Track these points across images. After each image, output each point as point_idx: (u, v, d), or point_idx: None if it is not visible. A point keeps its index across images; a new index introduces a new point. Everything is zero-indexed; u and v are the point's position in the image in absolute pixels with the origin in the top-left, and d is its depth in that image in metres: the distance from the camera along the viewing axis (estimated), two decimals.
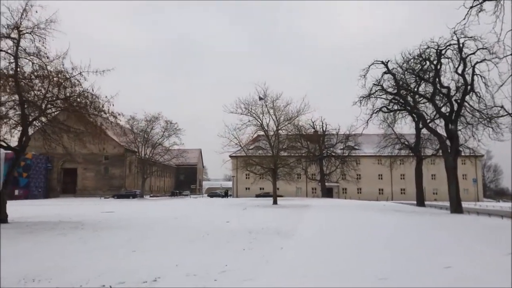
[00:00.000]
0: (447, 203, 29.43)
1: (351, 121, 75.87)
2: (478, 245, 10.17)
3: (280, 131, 35.92)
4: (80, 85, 16.61)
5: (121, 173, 70.16)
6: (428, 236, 12.37)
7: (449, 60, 26.57)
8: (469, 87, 25.53)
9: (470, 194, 61.70)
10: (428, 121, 29.58)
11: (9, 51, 15.69)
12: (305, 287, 5.70)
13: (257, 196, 59.36)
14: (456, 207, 24.71)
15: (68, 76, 16.35)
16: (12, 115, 16.43)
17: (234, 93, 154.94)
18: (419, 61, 27.63)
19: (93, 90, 16.65)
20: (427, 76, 27.93)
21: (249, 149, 40.95)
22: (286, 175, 38.64)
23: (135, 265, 7.20)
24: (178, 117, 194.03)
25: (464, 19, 15.37)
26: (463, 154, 32.22)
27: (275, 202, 34.39)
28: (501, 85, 22.14)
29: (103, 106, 16.88)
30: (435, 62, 26.75)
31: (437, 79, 26.73)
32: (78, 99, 16.73)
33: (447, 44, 25.69)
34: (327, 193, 62.90)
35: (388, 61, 28.74)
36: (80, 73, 16.26)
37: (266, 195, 54.77)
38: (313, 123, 58.71)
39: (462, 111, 26.37)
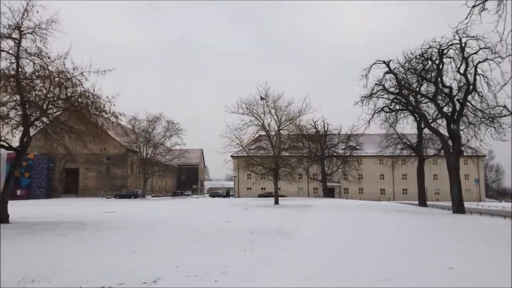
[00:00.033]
0: (449, 203, 29.33)
1: (351, 121, 75.96)
2: (480, 245, 10.11)
3: (281, 131, 35.89)
4: (81, 85, 16.63)
5: (122, 173, 70.24)
6: (430, 236, 12.30)
7: (451, 59, 26.51)
8: (471, 86, 25.43)
9: (472, 194, 61.48)
10: (430, 121, 29.49)
11: (10, 51, 15.72)
12: (306, 287, 5.67)
13: (260, 196, 59.32)
14: (458, 207, 24.63)
15: (69, 76, 16.35)
16: (13, 116, 16.43)
17: (235, 93, 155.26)
18: (421, 60, 27.54)
19: (94, 90, 16.67)
20: (429, 76, 27.84)
21: (251, 149, 40.92)
22: (287, 175, 38.60)
23: (136, 265, 7.18)
24: (179, 117, 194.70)
25: (466, 18, 15.31)
26: (465, 154, 32.13)
27: (276, 202, 34.35)
28: (504, 85, 22.16)
29: (104, 106, 16.88)
30: (437, 62, 26.66)
31: (439, 79, 26.63)
32: (79, 99, 16.73)
33: (449, 43, 25.62)
34: (329, 193, 62.82)
35: (390, 60, 28.68)
36: (81, 73, 16.28)
37: (268, 195, 54.71)
38: (314, 123, 58.74)
39: (464, 111, 26.29)
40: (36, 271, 6.76)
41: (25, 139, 16.48)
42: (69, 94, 16.59)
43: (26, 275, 6.44)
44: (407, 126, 78.66)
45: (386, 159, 61.02)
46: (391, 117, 32.97)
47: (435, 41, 26.25)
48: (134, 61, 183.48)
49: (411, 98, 29.76)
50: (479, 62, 25.06)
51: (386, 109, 31.14)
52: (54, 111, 17.44)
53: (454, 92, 26.74)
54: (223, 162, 74.47)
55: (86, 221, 16.52)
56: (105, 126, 19.32)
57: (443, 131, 28.47)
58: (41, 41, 15.80)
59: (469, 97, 25.96)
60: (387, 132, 38.82)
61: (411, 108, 30.10)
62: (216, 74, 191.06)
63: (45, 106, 16.33)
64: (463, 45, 25.07)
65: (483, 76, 25.27)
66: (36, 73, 16.04)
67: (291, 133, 38.36)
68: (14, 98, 16.03)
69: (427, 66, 27.59)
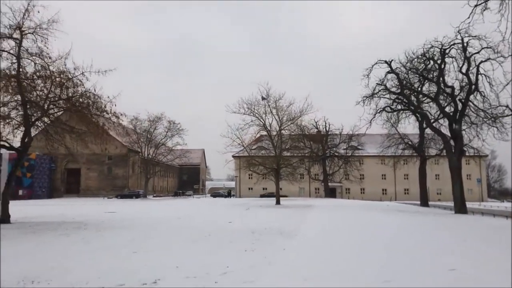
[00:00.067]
0: (451, 203, 29.24)
1: (352, 121, 76.10)
2: (483, 246, 10.05)
3: (283, 131, 35.84)
4: (83, 85, 16.62)
5: (124, 173, 70.30)
6: (432, 236, 12.24)
7: (453, 59, 26.40)
8: (473, 86, 25.34)
9: (474, 194, 61.34)
10: (432, 120, 29.40)
11: (11, 51, 15.72)
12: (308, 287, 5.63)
13: (262, 196, 59.24)
14: (460, 207, 24.54)
15: (70, 76, 16.34)
16: (14, 116, 16.42)
17: (236, 93, 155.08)
18: (422, 60, 27.44)
19: (95, 90, 16.66)
20: (431, 76, 27.75)
21: (252, 149, 40.87)
22: (289, 175, 38.53)
23: (136, 266, 7.15)
24: (181, 117, 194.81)
25: (468, 17, 15.25)
26: (467, 154, 32.00)
27: (278, 202, 34.30)
28: (506, 84, 22.07)
29: (105, 106, 16.87)
30: (439, 62, 26.55)
31: (441, 79, 26.54)
32: (81, 99, 16.72)
33: (451, 43, 25.50)
34: (330, 193, 62.73)
35: (392, 60, 28.59)
36: (82, 73, 16.27)
37: (270, 195, 54.66)
38: (316, 123, 58.64)
39: (467, 110, 26.20)
40: (36, 271, 6.74)
41: (26, 139, 16.48)
42: (70, 94, 16.58)
43: (26, 276, 6.42)
44: (409, 126, 78.35)
45: (387, 159, 60.83)
46: (392, 117, 32.93)
47: (437, 41, 26.19)
48: (135, 61, 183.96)
49: (413, 98, 29.67)
50: (481, 61, 24.98)
51: (388, 109, 31.06)
52: (55, 111, 17.43)
53: (456, 92, 26.65)
54: (224, 162, 74.47)
55: (88, 221, 16.51)
56: (106, 126, 19.30)
57: (445, 131, 28.39)
58: (42, 41, 15.82)
59: (471, 97, 25.87)
60: (388, 132, 38.72)
61: (413, 108, 30.01)
62: (217, 74, 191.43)
63: (46, 106, 16.33)
64: (465, 44, 24.97)
65: (485, 75, 25.20)
66: (37, 73, 16.04)
67: (293, 133, 38.31)
68: (15, 98, 16.03)
69: (429, 66, 27.50)
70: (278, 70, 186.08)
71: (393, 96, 30.21)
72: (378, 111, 30.27)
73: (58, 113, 17.97)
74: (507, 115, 24.94)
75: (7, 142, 16.82)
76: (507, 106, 24.52)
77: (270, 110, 34.83)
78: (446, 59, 26.45)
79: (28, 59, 16.07)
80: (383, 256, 8.13)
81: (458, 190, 24.86)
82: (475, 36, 23.92)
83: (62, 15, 15.82)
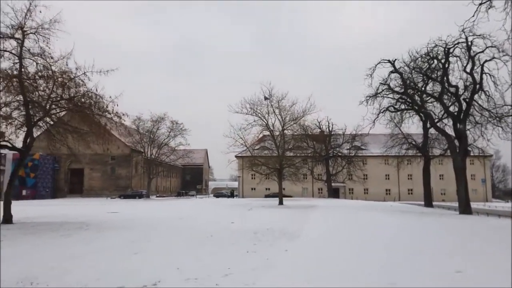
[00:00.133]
0: (456, 204, 29.00)
1: (352, 121, 75.89)
2: (489, 247, 9.89)
3: (285, 131, 35.65)
4: (84, 85, 16.57)
5: (127, 173, 70.43)
6: (438, 238, 12.09)
7: (457, 58, 26.14)
8: (478, 85, 25.11)
9: (479, 195, 60.91)
10: (436, 120, 29.18)
11: (13, 51, 15.70)
12: None
13: (266, 196, 59.03)
14: (465, 208, 24.31)
15: (72, 77, 16.31)
16: (16, 116, 16.42)
17: (237, 93, 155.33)
18: (426, 59, 27.22)
19: (97, 90, 16.61)
20: (435, 75, 27.52)
21: (255, 149, 40.76)
22: (292, 175, 38.38)
23: (136, 267, 7.07)
24: (183, 117, 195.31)
25: (473, 16, 15.08)
26: (471, 154, 31.74)
27: (281, 203, 34.17)
28: (511, 84, 21.83)
29: (107, 107, 16.82)
30: (443, 61, 26.33)
31: (445, 78, 26.31)
32: (82, 99, 16.68)
33: (455, 42, 25.26)
34: (334, 193, 62.52)
35: (395, 60, 28.36)
36: (84, 73, 16.23)
37: (275, 195, 54.53)
38: (319, 123, 58.42)
39: (471, 110, 25.95)
40: (36, 272, 6.69)
41: (29, 139, 16.45)
42: (72, 94, 16.55)
43: (26, 276, 6.36)
44: (413, 126, 78.11)
45: (391, 159, 60.61)
46: (396, 116, 32.67)
47: (441, 40, 25.95)
48: (135, 61, 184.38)
49: (416, 97, 29.45)
50: (486, 60, 24.73)
51: (391, 108, 30.85)
52: (57, 111, 17.41)
53: (461, 91, 26.42)
54: (227, 162, 74.39)
55: (90, 222, 16.47)
56: (108, 126, 19.27)
57: (449, 130, 28.17)
58: (44, 41, 15.78)
59: (476, 96, 25.63)
60: (392, 132, 38.47)
61: (416, 107, 29.80)
62: (217, 74, 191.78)
63: (48, 106, 16.30)
64: (469, 43, 24.73)
65: (489, 75, 24.95)
66: (39, 73, 16.01)
67: (296, 133, 38.10)
68: (18, 99, 16.02)
69: (433, 65, 27.27)
70: (278, 70, 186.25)
71: (397, 96, 30.01)
72: (382, 111, 30.08)
73: (60, 113, 17.94)
74: None
75: (10, 143, 16.80)
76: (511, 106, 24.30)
77: (273, 110, 34.70)
78: (450, 58, 26.23)
79: (30, 59, 16.04)
80: (387, 258, 8.00)
81: (463, 191, 24.63)
82: (479, 35, 23.69)
83: (63, 15, 15.81)
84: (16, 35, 15.54)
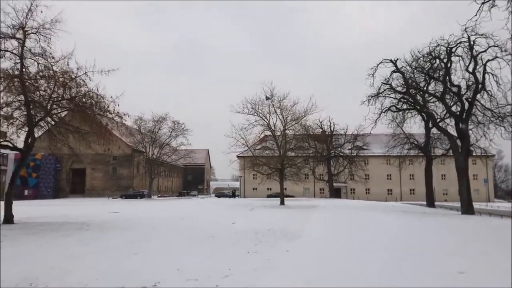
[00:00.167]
0: (458, 204, 28.89)
1: (352, 121, 75.72)
2: (491, 248, 9.82)
3: (287, 131, 35.60)
4: (86, 85, 16.56)
5: (129, 173, 70.49)
6: (441, 238, 12.01)
7: (460, 58, 26.01)
8: (480, 85, 24.99)
9: (481, 195, 60.76)
10: (438, 120, 29.06)
11: (14, 51, 15.68)
12: None
13: (269, 196, 58.92)
14: (467, 208, 24.20)
15: (73, 76, 16.30)
16: (18, 116, 16.41)
17: (237, 93, 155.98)
18: (428, 59, 27.09)
19: (98, 90, 16.60)
20: (437, 75, 27.40)
21: (256, 149, 40.70)
22: (293, 176, 38.32)
23: (136, 268, 7.03)
24: (182, 117, 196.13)
25: (475, 15, 14.99)
26: (474, 154, 31.60)
27: (282, 203, 34.12)
28: None
29: (108, 106, 16.81)
30: (445, 60, 26.20)
31: (447, 78, 26.19)
32: (84, 99, 16.67)
33: (458, 41, 25.12)
34: (335, 193, 62.43)
35: (397, 59, 28.26)
36: (85, 73, 16.20)
37: (277, 195, 54.49)
38: (320, 123, 58.35)
39: (473, 110, 25.83)
40: (35, 272, 6.66)
41: (30, 139, 16.44)
42: (73, 94, 16.53)
43: (26, 277, 6.33)
44: (415, 125, 77.71)
45: (393, 159, 60.49)
46: (398, 116, 32.56)
47: (443, 39, 25.80)
48: (135, 61, 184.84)
49: (418, 97, 29.34)
50: (488, 60, 24.61)
51: (393, 108, 30.73)
52: (59, 111, 17.40)
53: (463, 91, 26.30)
54: (228, 162, 74.40)
55: (91, 222, 16.45)
56: (109, 126, 19.26)
57: (452, 130, 28.04)
58: (45, 41, 15.77)
59: (478, 96, 25.52)
60: (394, 132, 38.33)
61: (418, 107, 29.68)
62: (217, 74, 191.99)
63: (49, 106, 16.29)
64: (471, 43, 24.61)
65: (492, 74, 24.83)
66: (40, 73, 16.00)
67: (297, 133, 38.05)
68: (19, 98, 16.01)
69: (435, 65, 27.14)
70: (278, 70, 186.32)
71: (399, 96, 29.89)
72: (384, 111, 29.96)
73: (61, 113, 17.93)
74: None
75: (11, 143, 16.81)
76: None
77: (274, 110, 34.64)
78: (453, 58, 26.10)
79: (31, 59, 16.03)
80: (389, 258, 7.94)
81: (465, 191, 24.52)
82: (482, 34, 23.58)
83: (64, 15, 15.79)
84: (17, 35, 15.54)
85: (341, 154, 63.13)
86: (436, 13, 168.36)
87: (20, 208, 20.79)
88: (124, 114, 17.50)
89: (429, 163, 36.61)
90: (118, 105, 16.89)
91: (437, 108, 30.15)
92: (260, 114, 34.62)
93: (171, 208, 30.47)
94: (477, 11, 14.86)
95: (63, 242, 10.44)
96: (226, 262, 7.39)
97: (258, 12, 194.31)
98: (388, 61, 28.33)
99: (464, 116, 25.31)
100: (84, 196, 66.61)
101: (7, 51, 15.66)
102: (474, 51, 24.83)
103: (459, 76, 26.87)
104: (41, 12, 15.49)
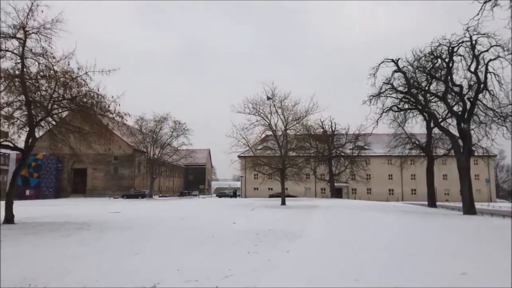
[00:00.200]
0: (459, 204, 28.80)
1: (353, 121, 75.59)
2: (493, 248, 9.75)
3: (288, 131, 35.57)
4: (86, 85, 16.52)
5: (130, 173, 70.52)
6: (444, 239, 11.96)
7: (462, 57, 25.96)
8: (482, 85, 24.92)
9: (483, 195, 60.57)
10: (440, 120, 28.98)
11: (15, 51, 15.65)
12: None
13: (271, 196, 58.85)
14: (469, 208, 24.11)
15: (74, 76, 16.27)
16: (19, 116, 16.39)
17: (237, 93, 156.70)
18: (430, 59, 27.03)
19: (98, 90, 16.57)
20: (439, 74, 27.33)
21: (257, 149, 40.66)
22: (294, 175, 38.26)
23: (136, 268, 6.99)
24: (182, 117, 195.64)
25: (477, 14, 14.90)
26: (475, 154, 31.52)
27: (283, 203, 34.08)
28: None
29: (109, 106, 16.78)
30: (447, 60, 26.13)
31: (449, 77, 26.11)
32: (84, 99, 16.64)
33: (459, 41, 25.06)
34: (336, 193, 62.35)
35: (399, 59, 28.22)
36: (86, 73, 16.17)
37: (279, 195, 54.43)
38: (322, 122, 58.28)
39: (475, 109, 25.76)
40: (35, 272, 6.63)
41: (30, 139, 16.42)
42: (74, 94, 16.51)
43: (25, 277, 6.30)
44: (416, 125, 77.74)
45: (394, 159, 60.25)
46: (399, 116, 32.52)
47: (445, 39, 25.76)
48: (135, 61, 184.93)
49: (420, 97, 29.27)
50: (490, 60, 24.55)
51: (395, 108, 30.69)
52: (59, 111, 17.38)
53: (465, 90, 26.22)
54: (230, 162, 74.35)
55: (91, 222, 16.43)
56: (110, 126, 19.23)
57: (453, 130, 27.98)
58: (45, 41, 15.72)
59: (480, 96, 25.45)
60: (395, 132, 38.28)
61: (420, 107, 29.62)
62: (216, 74, 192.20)
63: (50, 106, 16.27)
64: (473, 42, 24.54)
65: (494, 74, 24.78)
66: (41, 73, 15.97)
67: (298, 133, 38.01)
68: (20, 98, 15.99)
69: (437, 64, 27.08)
70: (278, 70, 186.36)
71: (400, 95, 29.84)
72: (385, 111, 29.94)
73: (62, 113, 17.90)
74: None
75: (11, 143, 16.79)
76: None
77: (276, 110, 34.59)
78: (454, 58, 26.04)
79: (32, 59, 15.99)
80: (390, 258, 7.89)
81: (467, 191, 24.44)
82: (484, 34, 23.52)
83: (65, 15, 15.76)
84: (18, 35, 15.50)
85: (343, 154, 63.04)
86: (436, 13, 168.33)
87: (21, 208, 20.78)
88: (125, 114, 17.47)
89: (430, 163, 36.53)
90: (119, 105, 16.88)
91: (439, 108, 30.11)
92: (261, 114, 34.60)
93: (172, 208, 30.44)
94: (479, 10, 14.78)
95: (62, 242, 10.41)
96: (226, 263, 7.35)
97: (258, 12, 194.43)
98: (389, 60, 28.29)
99: (466, 116, 25.23)
100: (85, 196, 66.66)
101: (8, 51, 15.64)
102: (476, 50, 24.76)
103: (461, 75, 26.84)
104: (42, 12, 15.46)
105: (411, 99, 29.47)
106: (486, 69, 24.78)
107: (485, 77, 24.84)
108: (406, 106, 30.93)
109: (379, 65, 28.41)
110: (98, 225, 14.93)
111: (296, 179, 38.87)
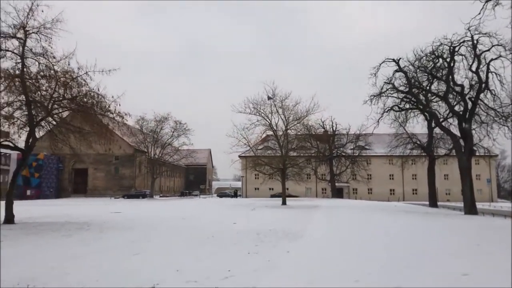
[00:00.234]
0: (460, 204, 28.74)
1: (352, 121, 75.48)
2: (494, 248, 9.71)
3: (289, 131, 35.54)
4: (87, 85, 16.51)
5: (131, 173, 70.55)
6: (445, 239, 11.91)
7: (463, 57, 25.90)
8: (483, 85, 24.85)
9: (484, 195, 60.45)
10: (441, 120, 28.93)
11: (15, 51, 15.64)
12: None
13: (272, 196, 58.79)
14: (470, 208, 24.05)
15: (74, 76, 16.26)
16: (19, 116, 16.38)
17: (237, 93, 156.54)
18: (431, 58, 26.97)
19: (99, 90, 16.56)
20: (440, 74, 27.27)
21: (258, 149, 40.64)
22: (295, 175, 38.23)
23: (136, 269, 6.97)
24: (182, 117, 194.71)
25: (479, 13, 14.87)
26: (477, 153, 31.46)
27: (284, 203, 34.05)
28: None
29: (109, 106, 16.76)
30: (448, 59, 26.07)
31: (450, 77, 26.05)
32: (85, 99, 16.63)
33: (461, 40, 24.99)
34: (337, 193, 62.30)
35: (400, 59, 28.17)
36: (86, 72, 16.16)
37: (281, 195, 54.38)
38: (322, 122, 58.20)
39: (477, 109, 25.69)
40: (34, 273, 6.61)
41: (31, 139, 16.41)
42: (74, 94, 16.49)
43: (25, 277, 6.27)
44: (417, 125, 77.66)
45: (395, 159, 60.16)
46: (400, 116, 32.48)
47: (446, 38, 25.69)
48: (135, 61, 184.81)
49: (421, 96, 29.22)
50: (492, 59, 24.49)
51: (396, 108, 30.64)
52: (60, 111, 17.36)
53: (466, 90, 26.15)
54: (230, 162, 74.28)
55: (92, 222, 16.42)
56: (111, 126, 19.22)
57: (455, 130, 27.93)
58: (46, 41, 15.71)
59: (481, 96, 25.38)
60: (396, 132, 38.24)
61: (421, 107, 29.56)
62: (217, 74, 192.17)
63: (50, 106, 16.26)
64: (475, 42, 24.47)
65: (495, 74, 24.72)
66: (41, 73, 15.96)
67: (299, 133, 37.97)
68: (20, 98, 15.98)
69: (438, 64, 27.02)
70: (278, 70, 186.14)
71: (401, 95, 29.79)
72: (386, 110, 29.89)
73: (62, 113, 17.88)
74: None
75: (12, 142, 16.79)
76: None
77: (276, 109, 34.58)
78: (456, 57, 25.97)
79: (32, 58, 15.98)
80: (391, 258, 7.85)
81: (468, 191, 24.37)
82: (485, 33, 23.45)
83: (65, 15, 15.74)
84: (18, 35, 15.49)
85: (343, 154, 62.98)
86: (436, 12, 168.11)
87: (22, 208, 20.79)
88: (125, 114, 17.46)
89: (431, 163, 36.46)
90: (119, 105, 16.87)
91: (440, 108, 30.09)
92: (262, 114, 34.59)
93: (172, 208, 30.43)
94: (481, 10, 14.76)
95: (63, 242, 10.39)
96: (226, 263, 7.32)
97: (258, 12, 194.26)
98: (390, 60, 28.25)
99: (467, 116, 25.16)
100: (86, 196, 66.72)
101: (8, 50, 15.63)
102: (477, 50, 24.69)
103: (462, 75, 26.81)
104: (42, 11, 15.44)
105: (412, 98, 29.42)
106: (488, 68, 24.72)
107: (487, 77, 24.78)
108: (407, 106, 30.88)
109: (380, 64, 28.39)
110: (99, 225, 14.92)
111: (297, 179, 38.83)
